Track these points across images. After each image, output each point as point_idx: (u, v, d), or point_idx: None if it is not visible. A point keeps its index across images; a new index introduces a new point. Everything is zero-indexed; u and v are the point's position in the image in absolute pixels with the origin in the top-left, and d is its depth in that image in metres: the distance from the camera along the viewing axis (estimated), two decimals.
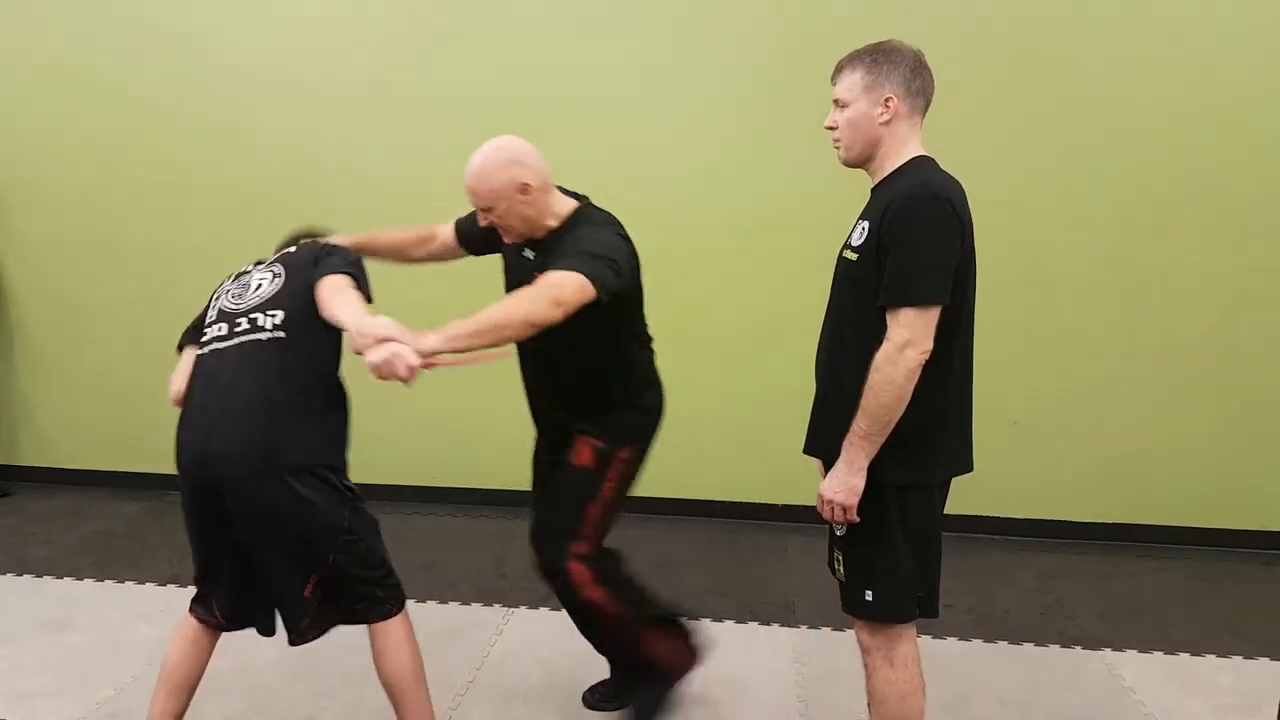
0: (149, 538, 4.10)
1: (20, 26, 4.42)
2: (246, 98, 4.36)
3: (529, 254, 2.48)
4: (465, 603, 3.47)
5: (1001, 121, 3.99)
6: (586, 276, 2.17)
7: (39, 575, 3.66)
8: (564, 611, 3.36)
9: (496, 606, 3.44)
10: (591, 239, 2.32)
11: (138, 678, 2.90)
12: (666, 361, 4.25)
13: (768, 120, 4.10)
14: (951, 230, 1.92)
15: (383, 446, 4.51)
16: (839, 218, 2.39)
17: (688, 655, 2.63)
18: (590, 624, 2.62)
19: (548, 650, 3.12)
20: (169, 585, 3.59)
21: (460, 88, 4.22)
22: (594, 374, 2.56)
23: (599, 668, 2.98)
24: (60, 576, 3.65)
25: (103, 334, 4.62)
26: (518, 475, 4.40)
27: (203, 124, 4.39)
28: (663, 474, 4.33)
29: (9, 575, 3.65)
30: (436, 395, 4.40)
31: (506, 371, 4.26)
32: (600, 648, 2.72)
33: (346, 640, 2.75)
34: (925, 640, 3.08)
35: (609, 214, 2.50)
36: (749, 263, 4.18)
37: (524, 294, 2.17)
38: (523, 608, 3.44)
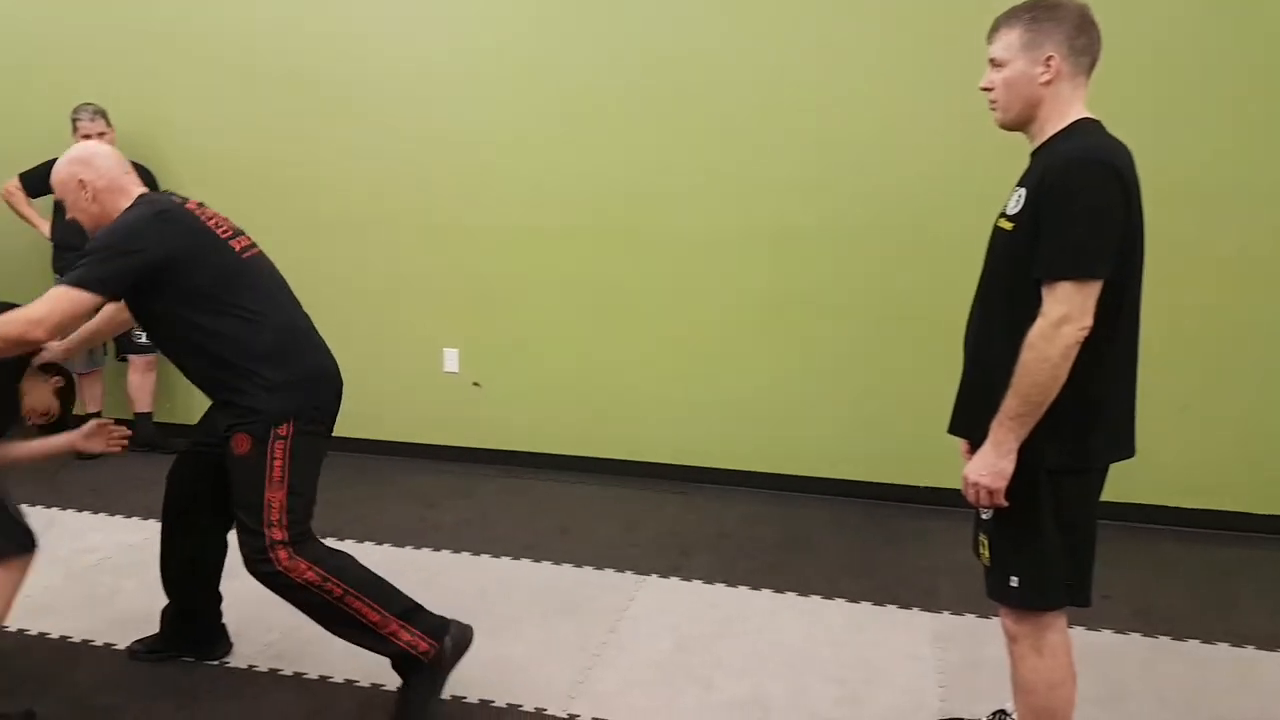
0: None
1: (185, 15, 4.70)
2: (390, 85, 4.53)
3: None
4: (599, 568, 3.54)
5: (1179, 87, 3.74)
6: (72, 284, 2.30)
7: None
8: (695, 581, 3.40)
9: (629, 573, 3.49)
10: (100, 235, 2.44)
11: (300, 623, 3.05)
12: (808, 339, 4.23)
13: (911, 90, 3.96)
14: (1114, 198, 1.81)
15: (523, 413, 4.65)
16: (998, 187, 2.29)
17: (439, 643, 2.49)
18: (316, 609, 2.49)
19: (679, 618, 3.14)
20: (328, 538, 3.72)
21: (618, 85, 4.26)
22: (197, 361, 2.53)
23: (734, 639, 2.99)
24: None
25: None
26: (653, 447, 4.51)
27: (348, 110, 4.57)
28: (801, 451, 4.33)
29: None
30: (573, 367, 4.52)
31: (649, 343, 4.36)
32: (344, 636, 2.54)
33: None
34: (1078, 631, 2.96)
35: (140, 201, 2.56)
36: (889, 236, 4.06)
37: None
38: (654, 576, 3.48)
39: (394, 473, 4.63)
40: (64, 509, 4.09)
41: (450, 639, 2.51)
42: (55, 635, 3.00)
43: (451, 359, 4.71)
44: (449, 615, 3.00)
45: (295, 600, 2.48)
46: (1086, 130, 1.91)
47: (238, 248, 2.62)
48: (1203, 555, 3.75)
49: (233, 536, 2.64)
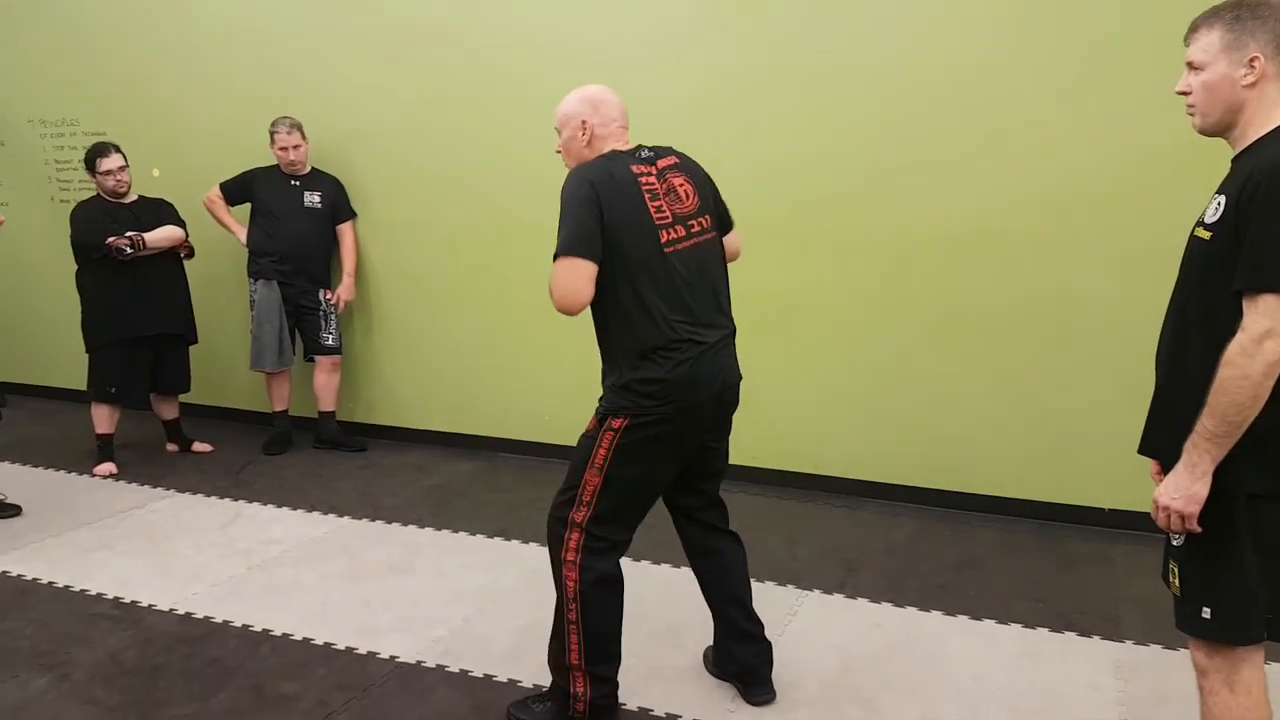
0: (481, 494, 4.48)
1: (378, 39, 4.95)
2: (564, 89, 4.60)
3: None
4: (760, 580, 3.49)
5: None
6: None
7: (389, 522, 4.11)
8: (861, 600, 3.32)
9: (790, 588, 3.45)
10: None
11: (467, 621, 3.19)
12: (982, 353, 4.07)
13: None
14: None
15: None
16: (1192, 192, 2.15)
17: (587, 704, 2.49)
18: (557, 587, 2.54)
19: (843, 637, 3.08)
20: (496, 538, 3.91)
21: (788, 91, 4.22)
22: (600, 331, 2.54)
23: (902, 661, 2.92)
24: (405, 524, 4.09)
25: (448, 309, 5.08)
26: (819, 459, 4.43)
27: (538, 119, 4.69)
28: (972, 469, 4.17)
29: (364, 520, 4.14)
30: (746, 373, 4.49)
31: (813, 352, 4.28)
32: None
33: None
34: (1275, 668, 2.74)
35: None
36: (1072, 245, 3.86)
37: None
38: (816, 591, 3.42)
39: (563, 475, 4.69)
40: (249, 502, 4.37)
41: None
42: (238, 624, 3.20)
43: None
44: None
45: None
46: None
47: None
48: None
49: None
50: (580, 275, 2.34)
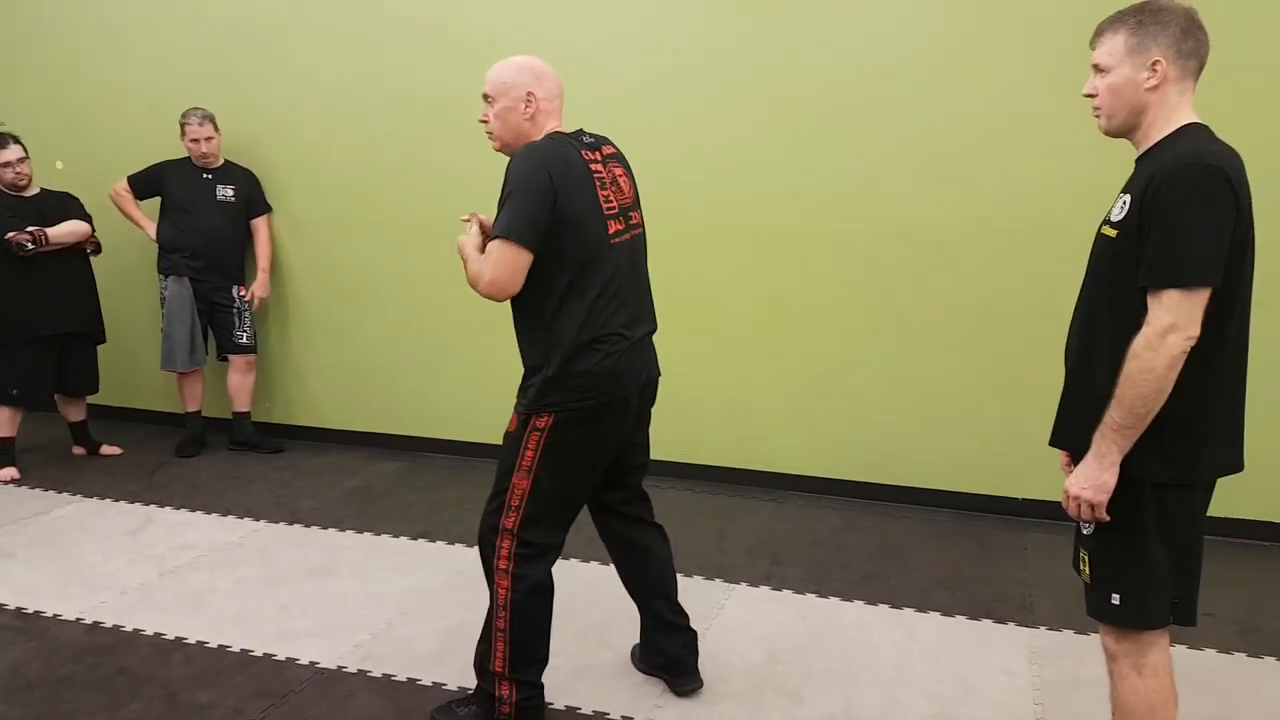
0: (404, 495, 4.42)
1: (299, 25, 4.84)
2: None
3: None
4: (688, 575, 3.52)
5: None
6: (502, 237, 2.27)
7: (307, 525, 4.03)
8: (786, 591, 3.36)
9: (718, 581, 3.48)
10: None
11: (390, 624, 3.15)
12: (903, 347, 4.17)
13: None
14: (1224, 204, 1.75)
15: None
16: (1098, 189, 2.22)
17: (513, 707, 2.45)
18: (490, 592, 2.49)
19: (769, 628, 3.12)
20: (420, 539, 3.86)
21: (730, 87, 4.23)
22: (528, 324, 2.45)
23: (823, 649, 2.96)
24: (325, 527, 4.01)
25: (369, 306, 5.00)
26: (745, 453, 4.48)
27: (460, 111, 4.64)
28: (896, 461, 4.25)
29: (281, 524, 4.05)
30: (670, 372, 4.50)
31: (741, 348, 4.32)
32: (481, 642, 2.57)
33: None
34: (1179, 650, 2.86)
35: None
36: (987, 240, 3.96)
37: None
38: (743, 584, 3.45)
39: (488, 474, 4.58)
40: (161, 506, 4.24)
41: None
42: (149, 632, 3.10)
43: None
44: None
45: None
46: (1194, 135, 1.85)
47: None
48: None
49: None
50: (519, 264, 2.27)
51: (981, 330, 4.03)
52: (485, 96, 2.46)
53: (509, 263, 2.26)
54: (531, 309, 2.39)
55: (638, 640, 2.85)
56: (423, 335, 4.93)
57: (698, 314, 4.38)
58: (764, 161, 4.19)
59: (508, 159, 2.38)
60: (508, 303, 2.40)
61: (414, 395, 5.02)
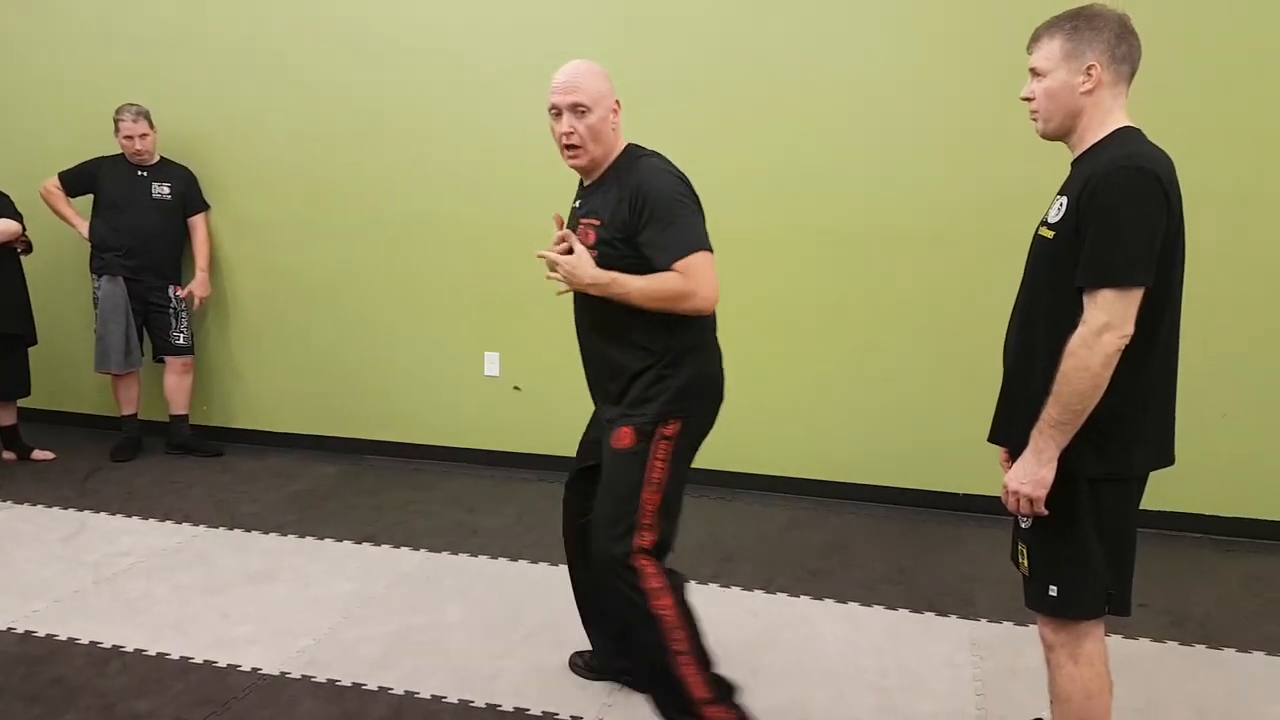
0: (347, 498, 4.36)
1: (240, 22, 4.75)
2: (438, 89, 4.55)
3: (579, 201, 2.40)
4: None
5: (1218, 96, 3.69)
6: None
7: (247, 530, 3.96)
8: (735, 588, 3.38)
9: None
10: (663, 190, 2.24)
11: (334, 629, 3.11)
12: (847, 346, 4.22)
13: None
14: (1156, 206, 1.80)
15: (563, 417, 4.65)
16: (1035, 191, 2.27)
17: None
18: (639, 634, 2.29)
19: (719, 625, 3.02)
20: (364, 543, 3.82)
21: (658, 83, 4.24)
22: (631, 335, 2.31)
23: (771, 645, 2.98)
24: (266, 532, 3.94)
25: (309, 306, 4.93)
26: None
27: (396, 114, 4.61)
28: (841, 458, 4.31)
29: (221, 529, 3.97)
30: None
31: None
32: (639, 672, 2.45)
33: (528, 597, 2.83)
34: (1115, 640, 2.93)
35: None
36: (929, 243, 4.04)
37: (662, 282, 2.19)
38: (693, 582, 3.40)
39: (433, 477, 4.66)
40: (96, 512, 4.13)
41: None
42: (85, 641, 3.02)
43: (492, 363, 4.72)
44: (486, 624, 3.02)
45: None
46: (1128, 138, 1.90)
47: None
48: (1239, 564, 3.70)
49: None
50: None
51: (924, 331, 4.10)
52: (576, 107, 2.27)
53: (713, 270, 2.22)
54: (643, 319, 2.28)
55: (580, 650, 2.83)
56: (366, 335, 4.88)
57: None
58: (719, 168, 4.21)
59: (584, 170, 2.36)
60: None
61: (356, 397, 4.96)
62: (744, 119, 4.17)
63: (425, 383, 4.81)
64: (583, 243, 2.30)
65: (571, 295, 2.42)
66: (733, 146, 4.18)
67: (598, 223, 2.30)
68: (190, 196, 4.88)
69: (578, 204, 2.43)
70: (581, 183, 2.45)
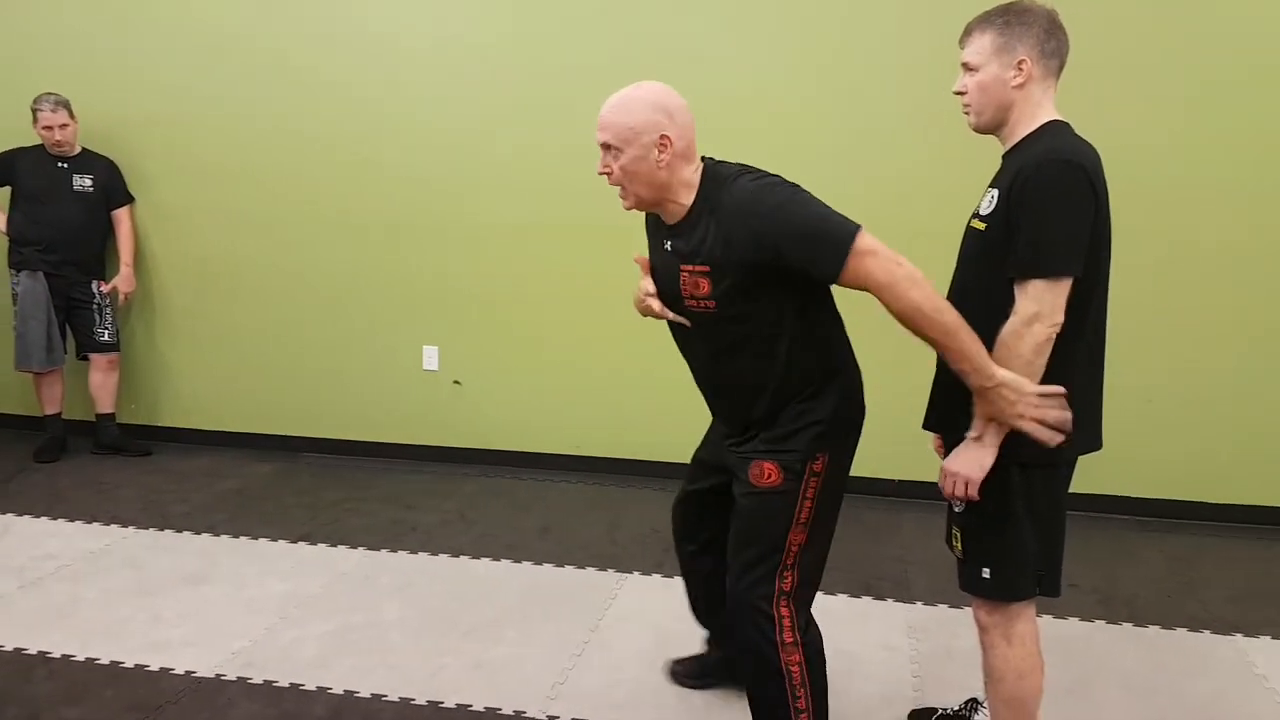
0: (282, 497, 4.29)
1: (163, 6, 4.62)
2: (378, 75, 4.47)
3: (670, 243, 2.06)
4: (580, 567, 3.54)
5: (1139, 88, 3.80)
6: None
7: (179, 530, 3.87)
8: (677, 578, 3.38)
9: (610, 571, 3.49)
10: (805, 211, 1.92)
11: (270, 630, 3.05)
12: None
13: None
14: (1084, 199, 1.85)
15: (503, 411, 4.64)
16: (974, 186, 2.30)
17: None
18: (762, 687, 2.12)
19: (661, 616, 3.14)
20: (300, 542, 3.76)
21: (595, 79, 4.23)
22: (782, 363, 2.06)
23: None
24: (198, 532, 3.85)
25: (240, 301, 4.83)
26: (635, 444, 4.50)
27: (333, 101, 4.52)
28: None
29: (151, 530, 3.87)
30: (556, 364, 4.51)
31: (627, 341, 4.34)
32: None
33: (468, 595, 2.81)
34: (1046, 620, 3.00)
35: (738, 165, 2.04)
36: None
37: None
38: (636, 573, 3.48)
39: (371, 474, 4.60)
40: (19, 515, 4.00)
41: None
42: (9, 648, 2.92)
43: (431, 357, 4.67)
44: (426, 622, 2.99)
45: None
46: (1056, 132, 1.94)
47: None
48: (1163, 544, 3.82)
49: None
50: None
51: (854, 322, 4.13)
52: (606, 146, 2.02)
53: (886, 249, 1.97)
54: (816, 337, 2.11)
55: (689, 656, 2.73)
56: (300, 330, 4.79)
57: (582, 306, 4.39)
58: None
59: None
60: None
61: (291, 393, 4.87)
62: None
63: (362, 378, 4.74)
64: (692, 294, 2.02)
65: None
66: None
67: (706, 269, 1.98)
68: (113, 189, 4.75)
69: (668, 245, 2.07)
70: (657, 218, 2.12)
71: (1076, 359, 1.93)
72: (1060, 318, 1.84)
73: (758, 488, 2.07)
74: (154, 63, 4.68)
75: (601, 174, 2.05)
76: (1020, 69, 1.94)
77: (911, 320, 1.88)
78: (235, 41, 4.57)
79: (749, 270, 1.94)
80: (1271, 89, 3.74)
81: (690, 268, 2.00)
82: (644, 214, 2.16)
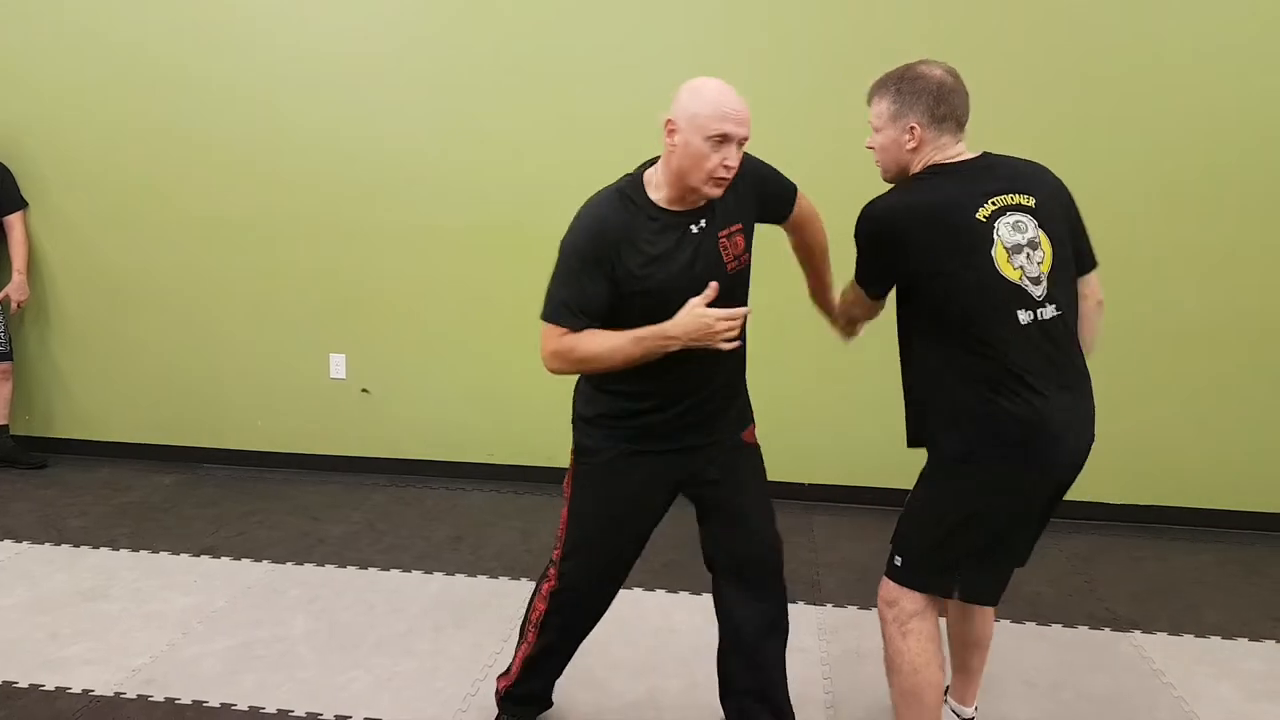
0: (184, 509, 4.16)
1: (63, 6, 4.46)
2: (277, 76, 4.38)
3: (697, 226, 2.13)
4: (493, 576, 3.50)
5: (1029, 104, 3.93)
6: None
7: (76, 545, 3.73)
8: None
9: (524, 581, 3.47)
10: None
11: (172, 645, 2.96)
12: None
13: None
14: (872, 243, 2.09)
15: (414, 420, 4.57)
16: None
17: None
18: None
19: None
20: (203, 556, 3.65)
21: (497, 77, 4.21)
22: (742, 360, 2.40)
23: (623, 641, 3.01)
24: (97, 547, 3.72)
25: (136, 309, 4.67)
26: (549, 451, 4.48)
27: (233, 103, 4.42)
28: None
29: (47, 545, 3.72)
30: (467, 370, 4.47)
31: (538, 347, 4.32)
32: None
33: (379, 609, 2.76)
34: (1003, 625, 3.10)
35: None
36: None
37: None
38: None
39: (277, 485, 4.49)
40: None
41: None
42: None
43: (338, 365, 4.58)
44: (335, 635, 2.93)
45: None
46: (905, 185, 2.11)
47: None
48: (1062, 544, 3.94)
49: None
50: None
51: (774, 330, 4.19)
52: (744, 141, 2.05)
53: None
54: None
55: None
56: (201, 338, 4.66)
57: (492, 312, 4.37)
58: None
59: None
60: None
61: (192, 403, 4.73)
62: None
63: (267, 387, 4.63)
64: (734, 253, 2.16)
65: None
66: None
67: (739, 225, 2.17)
68: (4, 194, 4.56)
69: (695, 228, 2.12)
70: (668, 209, 2.12)
71: (966, 369, 2.02)
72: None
73: (752, 445, 2.48)
74: (45, 62, 4.50)
75: (731, 166, 2.02)
76: (912, 133, 2.08)
77: (824, 250, 2.43)
78: (132, 40, 4.43)
79: (753, 215, 2.25)
80: (1169, 95, 3.88)
81: (726, 231, 2.16)
82: (591, 238, 2.18)
